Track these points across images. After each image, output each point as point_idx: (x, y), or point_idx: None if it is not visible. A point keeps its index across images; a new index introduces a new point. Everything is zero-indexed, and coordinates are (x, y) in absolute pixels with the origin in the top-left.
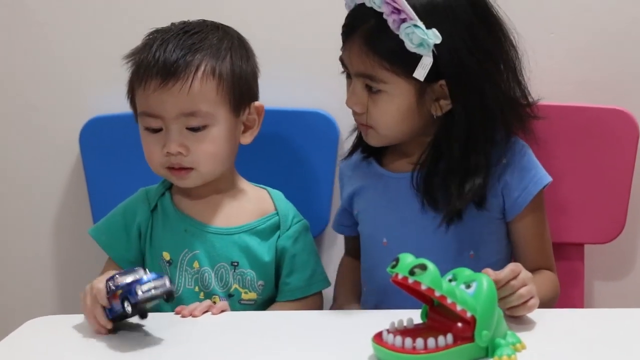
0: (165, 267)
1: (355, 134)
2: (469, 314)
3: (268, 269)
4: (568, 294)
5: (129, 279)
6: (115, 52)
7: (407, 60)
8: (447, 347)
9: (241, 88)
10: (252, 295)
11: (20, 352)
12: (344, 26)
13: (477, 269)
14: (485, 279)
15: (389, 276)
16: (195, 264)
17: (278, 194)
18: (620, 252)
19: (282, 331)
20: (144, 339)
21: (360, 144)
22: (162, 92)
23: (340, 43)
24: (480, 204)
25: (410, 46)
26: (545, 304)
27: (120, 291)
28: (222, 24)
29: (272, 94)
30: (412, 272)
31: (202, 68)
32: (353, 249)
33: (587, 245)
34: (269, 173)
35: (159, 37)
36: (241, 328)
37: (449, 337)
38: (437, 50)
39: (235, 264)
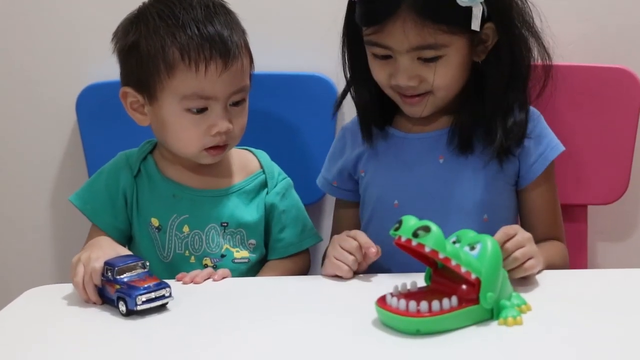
0: (155, 233)
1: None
2: (473, 276)
3: (258, 227)
4: (572, 256)
5: (129, 274)
6: (113, 19)
7: (461, 16)
8: (451, 309)
9: (252, 58)
10: (244, 253)
11: (20, 321)
12: (377, 7)
13: (489, 233)
14: (490, 240)
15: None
16: (185, 228)
17: (262, 154)
18: (624, 213)
19: (284, 297)
20: None
21: (368, 107)
22: (223, 74)
23: (340, 4)
24: (519, 143)
25: (463, 1)
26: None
27: (118, 286)
28: None
29: (269, 58)
30: (415, 235)
31: (242, 43)
32: (345, 219)
33: (591, 206)
34: (267, 138)
35: (185, 17)
36: (242, 294)
37: (454, 299)
38: None
39: (225, 224)
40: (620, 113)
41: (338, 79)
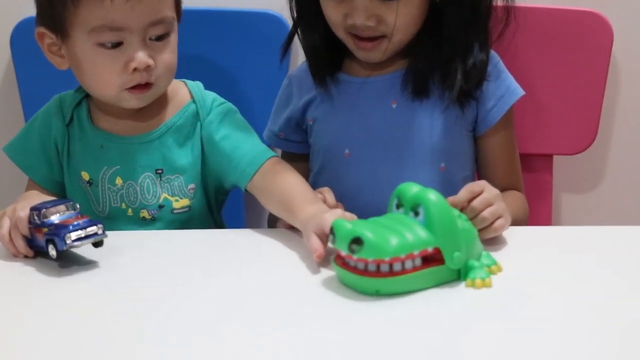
0: (86, 188)
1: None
2: (430, 249)
3: (196, 168)
4: (535, 208)
5: (57, 216)
6: None
7: None
8: (414, 269)
9: None
10: (185, 202)
11: None
12: None
13: (446, 182)
14: (432, 197)
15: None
16: (118, 180)
17: (196, 84)
18: (590, 163)
19: (241, 250)
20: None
21: (318, 51)
22: (131, 1)
23: None
24: (479, 85)
25: None
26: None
27: (46, 229)
28: None
29: None
30: (351, 249)
31: None
32: None
33: (556, 156)
34: (210, 83)
35: None
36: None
37: (417, 259)
38: None
39: (160, 171)
40: (590, 59)
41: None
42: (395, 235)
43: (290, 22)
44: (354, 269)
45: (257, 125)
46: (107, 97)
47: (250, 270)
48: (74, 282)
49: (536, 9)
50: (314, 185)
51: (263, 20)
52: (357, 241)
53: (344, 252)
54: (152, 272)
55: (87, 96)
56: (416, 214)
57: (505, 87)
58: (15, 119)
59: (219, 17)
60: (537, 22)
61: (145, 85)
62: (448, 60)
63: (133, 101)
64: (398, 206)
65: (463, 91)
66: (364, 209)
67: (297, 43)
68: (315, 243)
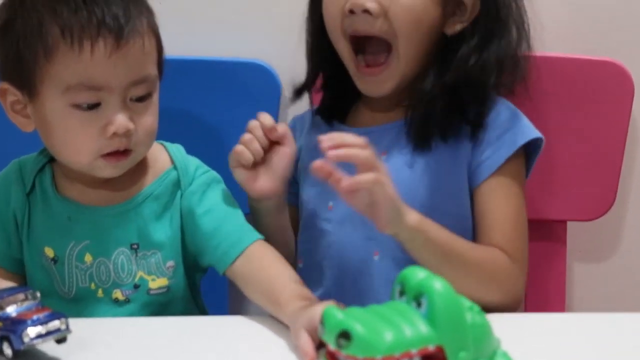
0: (50, 266)
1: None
2: (431, 348)
3: (174, 243)
4: (549, 278)
5: (14, 307)
6: None
7: None
8: None
9: (160, 43)
10: (162, 281)
11: None
12: None
13: None
14: (438, 285)
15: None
16: (87, 257)
17: (176, 147)
18: (606, 230)
19: (225, 341)
20: None
21: (328, 99)
22: (114, 55)
23: None
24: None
25: None
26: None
27: (1, 324)
28: None
29: (201, 41)
30: (339, 344)
31: (144, 22)
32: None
33: (570, 222)
34: (195, 137)
35: None
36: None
37: (416, 359)
38: None
39: (136, 246)
40: (609, 114)
41: (280, 67)
42: (391, 329)
43: (278, 72)
44: None
45: None
46: (80, 164)
47: None
48: None
49: (549, 58)
50: (302, 244)
51: (250, 70)
52: (345, 335)
53: (332, 347)
54: None
55: (52, 160)
56: (419, 304)
57: (516, 130)
58: None
59: (202, 67)
60: (551, 71)
61: (123, 153)
62: (454, 105)
63: (108, 170)
64: (401, 293)
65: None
66: (346, 266)
67: (285, 93)
68: (306, 344)
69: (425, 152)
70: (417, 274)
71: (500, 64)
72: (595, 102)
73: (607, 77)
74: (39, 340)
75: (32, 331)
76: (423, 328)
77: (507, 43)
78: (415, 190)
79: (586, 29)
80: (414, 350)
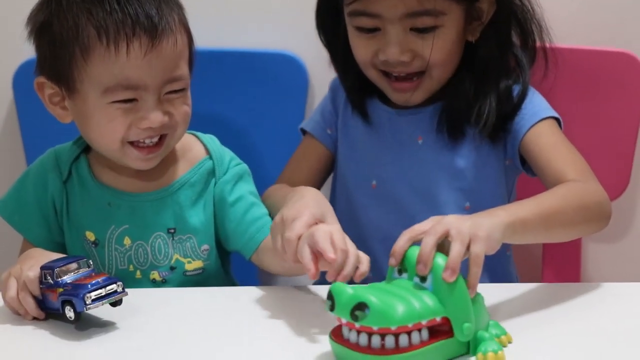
0: (91, 249)
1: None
2: (438, 319)
3: (208, 229)
4: (563, 260)
5: (71, 275)
6: None
7: None
8: (422, 344)
9: (191, 38)
10: (198, 263)
11: None
12: None
13: None
14: (441, 262)
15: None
16: (126, 241)
17: (211, 138)
18: (620, 211)
19: (248, 312)
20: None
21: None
22: (149, 54)
23: None
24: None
25: None
26: (563, 221)
27: (60, 289)
28: None
29: (231, 33)
30: (354, 316)
31: (176, 19)
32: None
33: None
34: (226, 126)
35: None
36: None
37: (424, 332)
38: None
39: (172, 230)
40: (622, 103)
41: (309, 58)
42: (401, 302)
43: (306, 63)
44: (355, 346)
45: (272, 168)
46: (112, 152)
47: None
48: (95, 346)
49: (564, 49)
50: (339, 214)
51: (279, 61)
52: (360, 307)
53: (344, 320)
54: (173, 334)
55: (85, 150)
56: (422, 279)
57: (536, 105)
58: (16, 162)
59: (231, 58)
60: (565, 62)
61: (157, 144)
62: (482, 98)
63: (139, 162)
64: (400, 271)
65: (495, 127)
66: (386, 243)
67: (314, 84)
68: (308, 261)
69: (460, 138)
70: (415, 252)
71: (520, 57)
72: (609, 92)
73: (620, 67)
74: (99, 302)
75: (93, 294)
76: (429, 301)
77: (525, 36)
78: (455, 173)
79: (599, 21)
80: (423, 322)
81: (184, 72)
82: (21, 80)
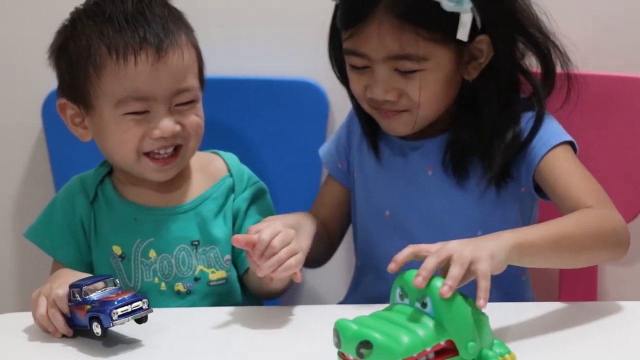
0: (118, 263)
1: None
2: (443, 343)
3: (229, 239)
4: (580, 284)
5: (98, 293)
6: None
7: (445, 23)
8: None
9: (200, 56)
10: (221, 273)
11: None
12: (352, 7)
13: None
14: (439, 285)
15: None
16: (152, 254)
17: (231, 156)
18: (636, 234)
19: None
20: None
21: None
22: (156, 64)
23: (332, 4)
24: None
25: (448, 5)
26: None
27: (88, 306)
28: None
29: (254, 62)
30: (360, 354)
31: (183, 36)
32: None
33: None
34: (249, 150)
35: (113, 11)
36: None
37: (430, 354)
38: (476, 1)
39: (196, 243)
40: (636, 127)
41: (330, 85)
42: (405, 332)
43: (326, 90)
44: None
45: (292, 194)
46: (129, 164)
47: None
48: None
49: (578, 75)
50: (361, 248)
51: (299, 88)
52: (365, 345)
53: (351, 357)
54: (198, 352)
55: (109, 174)
56: (423, 305)
57: (549, 131)
58: (46, 191)
59: (253, 86)
60: (579, 88)
61: (173, 155)
62: (489, 137)
63: (156, 173)
64: (402, 297)
65: (502, 170)
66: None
67: (334, 111)
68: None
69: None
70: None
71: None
72: (624, 117)
73: (635, 92)
74: (125, 319)
75: (119, 310)
76: (432, 326)
77: (547, 65)
78: (465, 203)
79: (614, 47)
80: (428, 348)
81: (193, 84)
82: (50, 109)
